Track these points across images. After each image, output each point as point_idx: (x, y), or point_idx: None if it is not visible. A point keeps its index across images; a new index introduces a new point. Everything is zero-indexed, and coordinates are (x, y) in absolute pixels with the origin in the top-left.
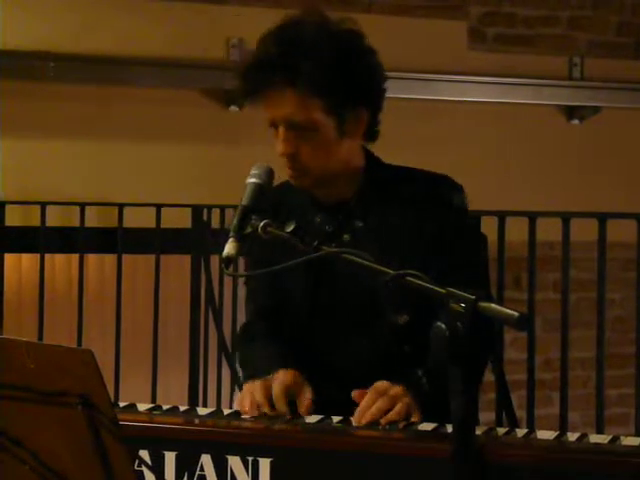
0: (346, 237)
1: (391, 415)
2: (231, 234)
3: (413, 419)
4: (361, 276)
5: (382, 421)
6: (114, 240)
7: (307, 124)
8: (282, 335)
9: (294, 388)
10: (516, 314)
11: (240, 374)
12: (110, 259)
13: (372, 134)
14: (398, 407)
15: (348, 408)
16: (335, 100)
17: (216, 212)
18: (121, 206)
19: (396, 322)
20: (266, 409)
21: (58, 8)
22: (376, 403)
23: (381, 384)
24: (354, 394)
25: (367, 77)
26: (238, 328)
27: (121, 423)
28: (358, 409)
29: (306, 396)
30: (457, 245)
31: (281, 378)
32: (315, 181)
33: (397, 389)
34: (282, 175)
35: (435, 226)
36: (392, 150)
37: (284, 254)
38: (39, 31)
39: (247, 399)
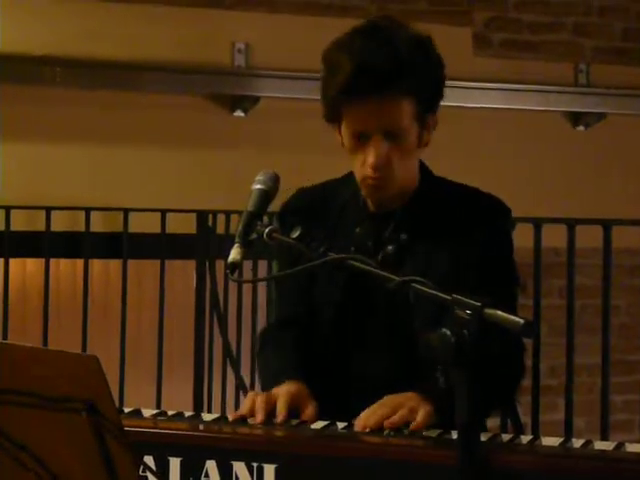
0: (390, 249)
1: (393, 419)
2: (236, 240)
3: (418, 418)
4: (393, 292)
5: (385, 424)
6: (119, 245)
7: (401, 132)
8: (302, 345)
9: (298, 400)
10: (521, 321)
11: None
12: (115, 264)
13: (428, 141)
14: (400, 412)
15: None
16: (423, 106)
17: (221, 217)
18: (126, 211)
19: (425, 342)
20: (260, 416)
21: (64, 13)
22: (378, 411)
23: (386, 397)
24: (359, 424)
25: (442, 84)
26: (244, 332)
27: (126, 429)
28: (359, 417)
29: (310, 409)
30: (496, 273)
31: (285, 389)
32: (393, 192)
33: (400, 398)
34: (288, 182)
35: (479, 249)
36: None
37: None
38: (45, 36)
39: (246, 406)
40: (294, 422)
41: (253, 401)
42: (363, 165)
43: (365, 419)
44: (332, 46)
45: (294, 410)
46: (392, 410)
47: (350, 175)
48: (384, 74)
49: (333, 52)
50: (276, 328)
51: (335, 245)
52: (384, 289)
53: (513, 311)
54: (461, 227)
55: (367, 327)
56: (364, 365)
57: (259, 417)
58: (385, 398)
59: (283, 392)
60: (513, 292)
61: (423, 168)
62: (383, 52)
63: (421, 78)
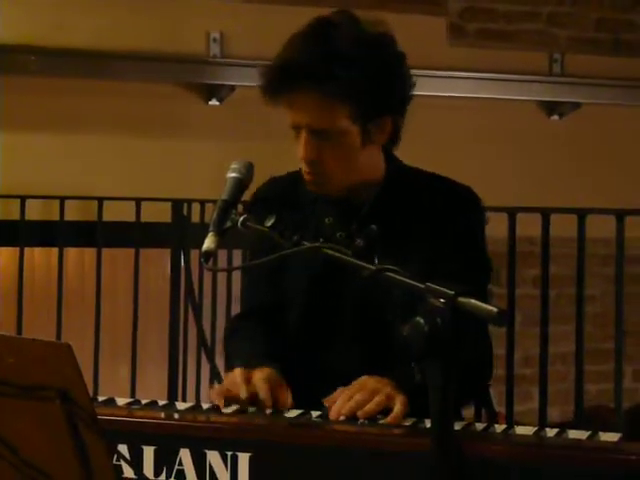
0: (359, 241)
1: (369, 407)
2: (211, 229)
3: (395, 409)
4: (365, 283)
5: (359, 414)
6: (94, 234)
7: (332, 131)
8: (273, 335)
9: (274, 384)
10: (495, 310)
11: (224, 368)
12: (90, 253)
13: (394, 140)
14: (377, 398)
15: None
16: (363, 108)
17: (196, 206)
18: (101, 200)
19: (401, 335)
20: (243, 392)
21: (39, 2)
22: (354, 396)
23: (362, 379)
24: (325, 401)
25: (396, 85)
26: (219, 321)
27: (100, 417)
28: (336, 403)
29: (284, 396)
30: (462, 258)
31: (260, 374)
32: (334, 188)
33: (377, 383)
34: (262, 171)
35: (451, 238)
36: None
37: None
38: (20, 25)
39: (228, 385)
40: (268, 411)
41: (233, 377)
42: (299, 159)
43: (340, 406)
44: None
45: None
46: (369, 395)
47: None
48: (310, 71)
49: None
50: (244, 318)
51: (305, 235)
52: (355, 279)
53: (485, 300)
54: (432, 217)
55: (338, 318)
56: (334, 356)
57: (243, 393)
58: (361, 381)
59: (261, 376)
60: (485, 282)
61: (391, 158)
62: (316, 51)
63: (358, 80)
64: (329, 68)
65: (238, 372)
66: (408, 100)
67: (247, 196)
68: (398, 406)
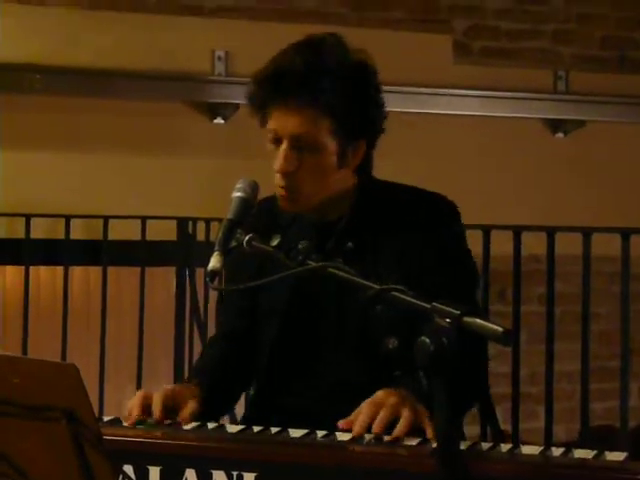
0: (338, 260)
1: (398, 430)
2: (216, 248)
3: (398, 425)
4: (351, 299)
5: (389, 438)
6: (99, 252)
7: (313, 144)
8: (228, 357)
9: (176, 399)
10: (500, 329)
11: None
12: (95, 271)
13: (363, 169)
14: (404, 419)
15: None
16: (344, 125)
17: (201, 225)
18: (106, 218)
19: (386, 347)
20: (135, 411)
21: (44, 21)
22: (380, 415)
23: (379, 394)
24: (340, 424)
25: (374, 112)
26: None
27: (105, 437)
28: (359, 424)
29: (185, 410)
30: (451, 269)
31: (163, 388)
32: (304, 206)
33: (395, 397)
34: (268, 190)
35: (429, 248)
36: (376, 163)
37: (262, 270)
38: (25, 44)
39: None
40: (274, 430)
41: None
42: (274, 172)
43: (363, 425)
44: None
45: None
46: (392, 412)
47: None
48: (299, 79)
49: (271, 58)
50: (209, 344)
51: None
52: (332, 293)
53: (478, 308)
54: (408, 230)
55: (318, 332)
56: (318, 370)
57: (134, 411)
58: (378, 396)
59: (159, 391)
60: (474, 289)
61: (363, 178)
62: (304, 61)
63: (340, 98)
64: (319, 80)
65: (136, 397)
66: (380, 133)
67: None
68: (401, 421)
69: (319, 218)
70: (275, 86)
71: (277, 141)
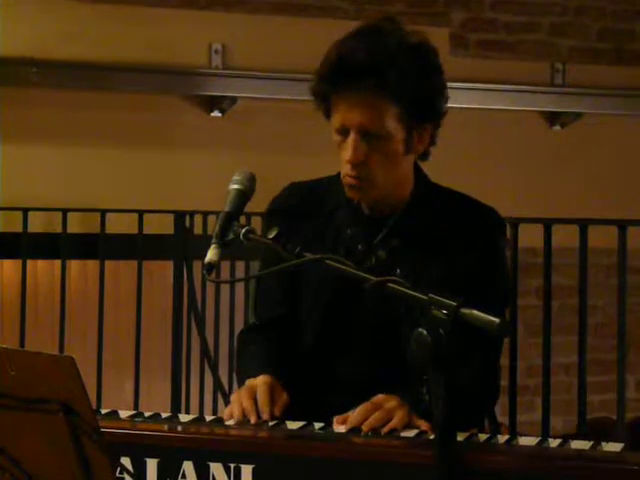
0: (381, 254)
1: (392, 424)
2: (213, 240)
3: (391, 422)
4: (385, 300)
5: (384, 430)
6: (96, 246)
7: (381, 132)
8: (278, 345)
9: (275, 394)
10: (497, 321)
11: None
12: (92, 265)
13: (427, 153)
14: (397, 418)
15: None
16: (410, 110)
17: (198, 218)
18: (103, 212)
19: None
20: (252, 418)
21: (40, 14)
22: (374, 414)
23: (378, 397)
24: (336, 419)
25: (438, 93)
26: (222, 333)
27: (103, 430)
28: (351, 419)
29: (282, 398)
30: (487, 284)
31: (265, 382)
32: (375, 195)
33: (393, 402)
34: (264, 183)
35: (472, 259)
36: None
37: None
38: (21, 37)
39: (236, 408)
40: (271, 423)
41: (240, 403)
42: (343, 163)
43: (357, 423)
44: (332, 45)
45: (296, 410)
46: (387, 414)
47: (340, 175)
48: (364, 68)
49: (329, 49)
50: (253, 330)
51: (324, 245)
52: (372, 293)
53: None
54: (456, 238)
55: (353, 330)
56: (349, 367)
57: (253, 419)
58: (377, 398)
59: (263, 390)
60: (502, 307)
61: (420, 174)
62: (368, 49)
63: (406, 82)
64: (383, 66)
65: (244, 397)
66: (444, 114)
67: (250, 207)
68: (394, 420)
69: (371, 211)
70: (340, 77)
71: (344, 132)
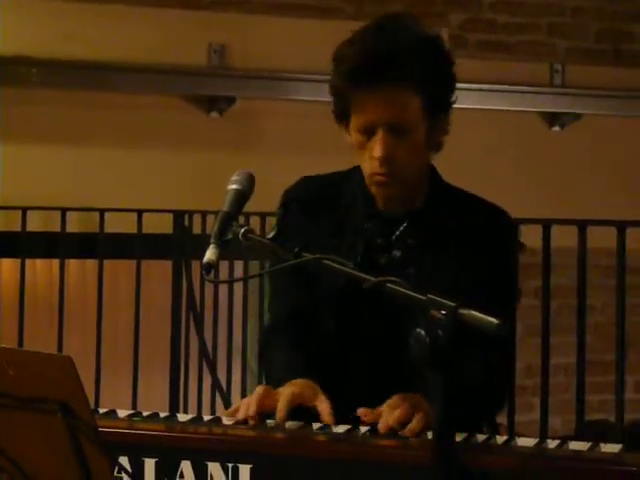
0: (396, 252)
1: (413, 425)
2: (212, 240)
3: (411, 424)
4: (401, 306)
5: (406, 432)
6: (95, 245)
7: (407, 125)
8: (303, 342)
9: (304, 397)
10: (495, 321)
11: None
12: (91, 264)
13: (440, 144)
14: (419, 415)
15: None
16: (433, 102)
17: (197, 218)
18: (102, 211)
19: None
20: (251, 419)
21: (40, 14)
22: (395, 412)
23: (396, 397)
24: (361, 411)
25: (454, 84)
26: (220, 333)
27: (101, 429)
28: (379, 413)
29: (323, 402)
30: (499, 285)
31: (289, 388)
32: (402, 190)
33: (413, 398)
34: (263, 183)
35: (484, 261)
36: None
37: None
38: (22, 37)
39: (244, 404)
40: (269, 423)
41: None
42: (370, 160)
43: (382, 422)
44: (341, 44)
45: (297, 408)
46: (409, 410)
47: (354, 171)
48: (387, 62)
49: (341, 47)
50: (277, 327)
51: (344, 239)
52: (394, 306)
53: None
54: (468, 239)
55: (365, 328)
56: (361, 366)
57: (252, 409)
58: (396, 399)
59: (286, 392)
60: (512, 309)
61: (434, 174)
62: (387, 43)
63: (427, 73)
64: (404, 59)
65: (258, 392)
66: (454, 102)
67: (248, 207)
68: (414, 422)
69: (387, 209)
70: (362, 72)
71: (369, 131)
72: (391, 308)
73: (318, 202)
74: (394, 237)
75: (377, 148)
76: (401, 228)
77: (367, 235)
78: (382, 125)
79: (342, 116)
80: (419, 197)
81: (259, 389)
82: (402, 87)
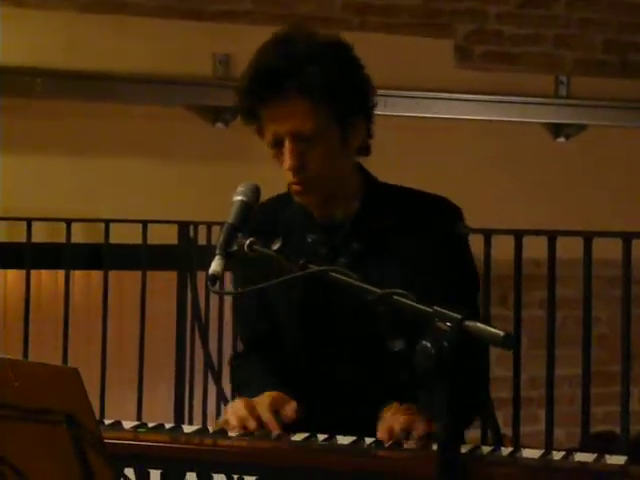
0: (342, 260)
1: (420, 429)
2: (217, 252)
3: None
4: (356, 302)
5: (414, 435)
6: (100, 256)
7: (314, 134)
8: (270, 362)
9: (278, 402)
10: (501, 333)
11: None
12: (96, 275)
13: (366, 148)
14: (421, 425)
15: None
16: (340, 107)
17: (203, 229)
18: (107, 222)
19: (391, 349)
20: (251, 423)
21: (43, 24)
22: (400, 418)
23: (396, 405)
24: (380, 436)
25: (364, 86)
26: (226, 343)
27: (106, 441)
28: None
29: (291, 405)
30: (454, 273)
31: (265, 395)
32: (321, 196)
33: (411, 407)
34: (269, 194)
35: (434, 252)
36: (378, 166)
37: (270, 272)
38: (26, 47)
39: (232, 416)
40: (274, 434)
41: (235, 411)
42: (285, 172)
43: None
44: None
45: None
46: (410, 419)
47: None
48: (282, 75)
49: (248, 65)
50: (243, 355)
51: (291, 254)
52: (343, 297)
53: (476, 317)
54: (413, 233)
55: (333, 333)
56: (332, 374)
57: (252, 425)
58: (394, 409)
59: (264, 401)
60: (473, 298)
61: (367, 176)
62: (282, 56)
63: (329, 79)
64: (303, 69)
65: (240, 405)
66: (373, 105)
67: None
68: (419, 427)
69: (325, 218)
70: (262, 87)
71: (279, 143)
72: (355, 314)
73: (259, 228)
74: (334, 243)
75: (286, 159)
76: (342, 234)
77: (311, 248)
78: (287, 136)
79: (260, 134)
80: (354, 201)
81: (239, 403)
82: (304, 96)
